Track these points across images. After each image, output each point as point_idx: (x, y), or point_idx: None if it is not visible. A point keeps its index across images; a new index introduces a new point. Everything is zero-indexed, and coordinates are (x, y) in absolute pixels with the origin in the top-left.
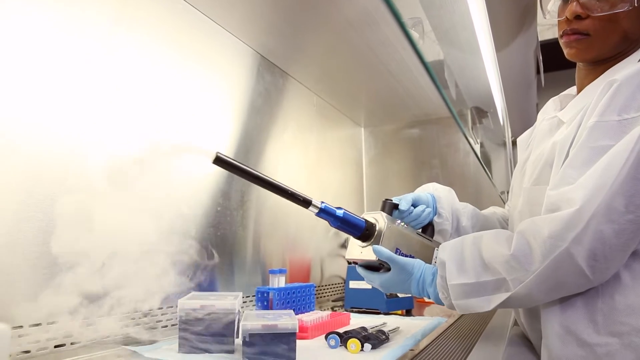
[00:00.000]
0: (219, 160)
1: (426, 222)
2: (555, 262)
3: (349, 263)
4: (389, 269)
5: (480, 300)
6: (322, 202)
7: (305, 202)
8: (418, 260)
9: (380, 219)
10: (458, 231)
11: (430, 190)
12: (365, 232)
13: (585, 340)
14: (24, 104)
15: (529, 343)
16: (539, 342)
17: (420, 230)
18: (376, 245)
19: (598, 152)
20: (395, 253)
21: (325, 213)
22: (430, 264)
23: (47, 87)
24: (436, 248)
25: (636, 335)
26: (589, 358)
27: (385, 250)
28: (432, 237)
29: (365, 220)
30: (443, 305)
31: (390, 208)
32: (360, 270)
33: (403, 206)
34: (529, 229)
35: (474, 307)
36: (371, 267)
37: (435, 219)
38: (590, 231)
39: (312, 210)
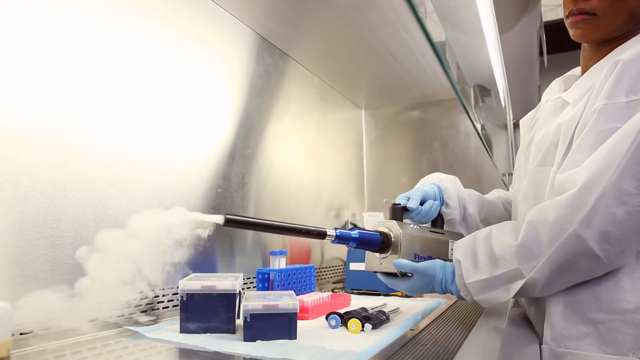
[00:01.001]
0: (229, 222)
1: (435, 215)
2: (564, 245)
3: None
4: (411, 275)
5: (499, 291)
6: (336, 229)
7: (321, 235)
8: (437, 261)
9: (393, 228)
10: (465, 219)
11: (435, 180)
12: (382, 245)
13: (588, 317)
14: (25, 89)
15: (529, 323)
16: (540, 321)
17: (430, 224)
18: (396, 261)
19: (606, 134)
20: (414, 258)
21: (341, 239)
22: (448, 257)
23: (43, 69)
24: (450, 240)
25: (639, 312)
26: (592, 334)
27: (406, 263)
28: (443, 228)
29: (380, 232)
30: (466, 301)
31: (401, 213)
32: (381, 277)
33: (412, 205)
34: (535, 216)
35: (495, 299)
36: (392, 273)
37: (443, 209)
38: (600, 214)
39: (329, 240)
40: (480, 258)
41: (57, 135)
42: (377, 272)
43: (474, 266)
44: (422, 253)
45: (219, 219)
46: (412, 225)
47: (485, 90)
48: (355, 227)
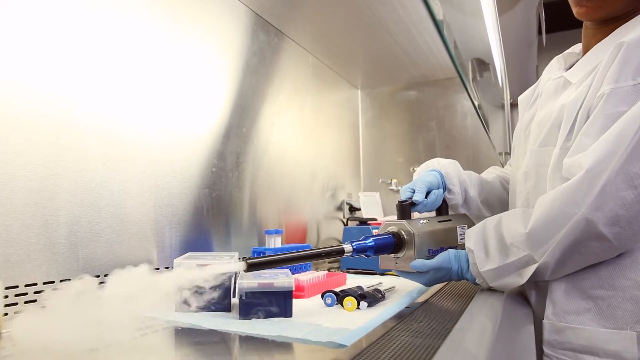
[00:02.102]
0: (251, 266)
1: (440, 203)
2: (573, 228)
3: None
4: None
5: (513, 277)
6: (352, 242)
7: (339, 253)
8: (450, 251)
9: (405, 228)
10: (466, 201)
11: (436, 166)
12: (396, 247)
13: (589, 293)
14: (15, 67)
15: (525, 300)
16: (541, 297)
17: (435, 212)
18: (413, 264)
19: (613, 118)
20: (428, 254)
21: (359, 251)
22: (457, 243)
23: (34, 48)
24: (458, 226)
25: (638, 289)
26: (592, 310)
27: (422, 264)
28: (447, 213)
29: (392, 234)
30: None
31: (409, 210)
32: (398, 274)
33: (419, 199)
34: (544, 203)
35: (509, 284)
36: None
37: (447, 195)
38: (609, 197)
39: (348, 255)
40: (492, 247)
41: (47, 114)
42: (393, 270)
43: (486, 255)
44: (434, 247)
45: (242, 266)
46: (421, 221)
47: (483, 65)
48: (366, 236)
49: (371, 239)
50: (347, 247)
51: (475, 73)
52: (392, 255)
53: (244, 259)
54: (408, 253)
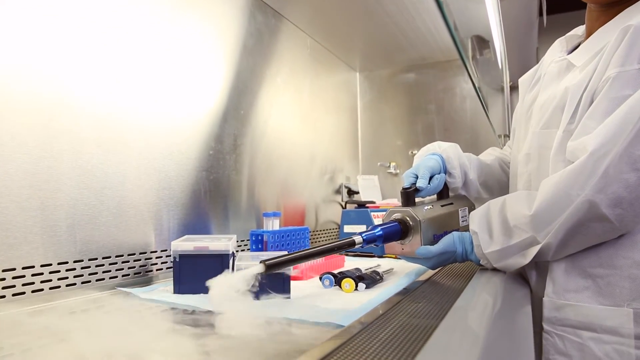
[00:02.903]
0: (269, 267)
1: (441, 187)
2: (576, 210)
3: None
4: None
5: (517, 258)
6: (361, 234)
7: (350, 245)
8: (454, 234)
9: (410, 216)
10: (466, 184)
11: (437, 150)
12: (402, 234)
13: (588, 272)
14: (9, 48)
15: (524, 282)
16: (540, 278)
17: (436, 196)
18: (419, 252)
19: (618, 102)
20: (433, 239)
21: (369, 241)
22: (460, 225)
23: (29, 29)
24: (460, 209)
25: (637, 268)
26: (590, 288)
27: (427, 251)
28: (448, 196)
29: (398, 221)
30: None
31: (413, 197)
32: (404, 259)
33: (422, 185)
34: (548, 186)
35: (514, 265)
36: None
37: (447, 178)
38: (612, 179)
39: (359, 246)
40: (495, 228)
41: (41, 96)
42: (399, 255)
43: (490, 236)
44: (438, 231)
45: (260, 268)
46: (425, 207)
47: (483, 43)
48: (375, 225)
49: (379, 229)
50: (358, 238)
51: (475, 51)
52: (398, 241)
53: (262, 261)
54: (414, 239)
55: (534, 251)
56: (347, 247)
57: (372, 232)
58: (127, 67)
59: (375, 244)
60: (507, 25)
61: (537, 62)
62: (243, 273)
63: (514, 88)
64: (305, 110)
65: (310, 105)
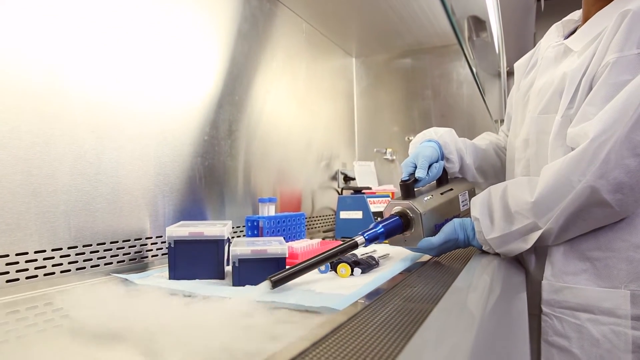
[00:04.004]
0: (276, 282)
1: (440, 174)
2: (577, 196)
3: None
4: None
5: (518, 243)
6: (363, 233)
7: (353, 247)
8: (455, 221)
9: (411, 208)
10: (462, 169)
11: (433, 136)
12: (404, 227)
13: (586, 255)
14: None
15: (520, 267)
16: (539, 262)
17: (435, 182)
18: (420, 245)
19: (618, 87)
20: (434, 229)
21: (371, 240)
22: (460, 211)
23: (21, 13)
24: (460, 194)
25: (634, 250)
26: (588, 270)
27: (430, 242)
28: (447, 182)
29: (399, 215)
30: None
31: (413, 189)
32: (407, 249)
33: (422, 175)
34: (550, 171)
35: (515, 250)
36: None
37: (445, 164)
38: (613, 165)
39: (362, 246)
40: (497, 215)
41: (33, 80)
42: (402, 246)
43: (491, 222)
44: (440, 221)
45: (267, 284)
46: (425, 198)
47: (480, 23)
48: (376, 222)
49: (380, 226)
50: (360, 239)
51: (472, 32)
52: (400, 234)
53: (268, 278)
54: (416, 232)
55: (535, 236)
56: (350, 249)
57: (374, 230)
58: (120, 52)
59: (379, 241)
60: (504, 9)
61: (534, 46)
62: (253, 294)
63: (510, 73)
64: (301, 96)
65: (306, 91)
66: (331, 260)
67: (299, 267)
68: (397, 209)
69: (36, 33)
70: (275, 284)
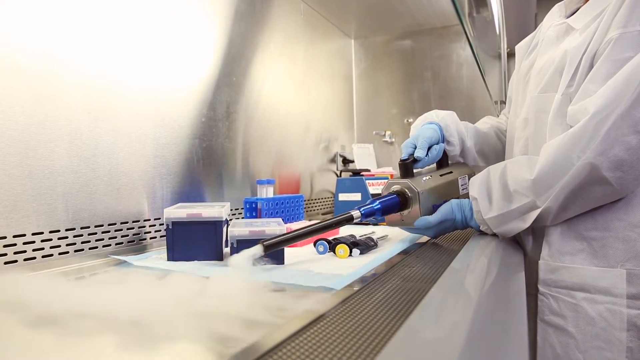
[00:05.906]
0: (268, 247)
1: (440, 156)
2: (577, 173)
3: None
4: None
5: (516, 222)
6: (359, 208)
7: (349, 220)
8: (452, 202)
9: (409, 187)
10: (463, 152)
11: (434, 119)
12: (401, 206)
13: (583, 235)
14: None
15: (518, 247)
16: (536, 242)
17: (436, 164)
18: (417, 224)
19: (620, 64)
20: (432, 209)
21: (367, 215)
22: (459, 194)
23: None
24: (460, 177)
25: (631, 229)
26: (585, 250)
27: (427, 220)
28: (448, 164)
29: (396, 193)
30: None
31: (411, 168)
32: (404, 229)
33: (421, 155)
34: (550, 149)
35: (513, 230)
36: None
37: (446, 146)
38: (613, 142)
39: (357, 220)
40: (495, 194)
41: (27, 60)
42: (399, 226)
43: (490, 202)
44: (438, 201)
45: (259, 248)
46: (424, 178)
47: (481, 1)
48: (373, 198)
49: (377, 202)
50: (356, 213)
51: (472, 10)
52: (397, 213)
53: (261, 242)
54: (413, 211)
55: (533, 215)
56: (345, 222)
57: (370, 206)
58: (116, 33)
59: (374, 217)
60: None
61: (536, 29)
62: (243, 255)
63: (511, 55)
64: (300, 78)
65: (305, 73)
66: (324, 231)
67: (292, 234)
68: (395, 187)
69: (30, 12)
70: (267, 249)
